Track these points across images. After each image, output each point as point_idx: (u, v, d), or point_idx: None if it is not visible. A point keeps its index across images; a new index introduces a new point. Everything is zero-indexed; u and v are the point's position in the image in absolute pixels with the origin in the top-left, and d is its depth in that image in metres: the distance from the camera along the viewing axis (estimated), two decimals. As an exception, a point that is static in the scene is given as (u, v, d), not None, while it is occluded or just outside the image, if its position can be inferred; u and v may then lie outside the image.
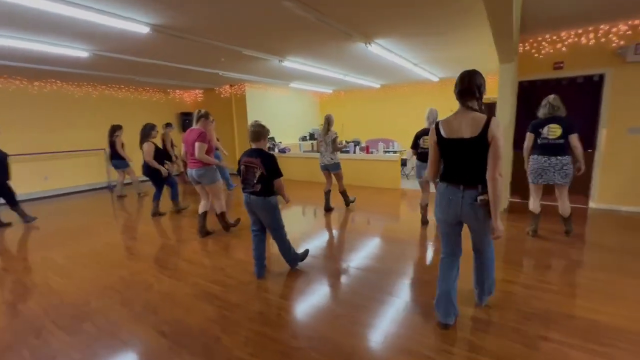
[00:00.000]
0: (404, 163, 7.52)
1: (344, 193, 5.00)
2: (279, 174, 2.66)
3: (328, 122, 4.65)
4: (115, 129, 6.18)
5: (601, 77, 4.42)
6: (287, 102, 9.88)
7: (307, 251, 3.18)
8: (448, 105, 9.30)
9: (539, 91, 4.85)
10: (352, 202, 5.15)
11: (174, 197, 5.15)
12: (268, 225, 2.77)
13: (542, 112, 3.40)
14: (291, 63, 5.72)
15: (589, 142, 4.59)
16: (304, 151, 8.49)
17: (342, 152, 7.28)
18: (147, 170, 4.75)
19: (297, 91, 10.19)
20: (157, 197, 4.96)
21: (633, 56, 4.13)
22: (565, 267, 2.91)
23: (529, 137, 3.46)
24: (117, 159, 6.23)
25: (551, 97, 3.39)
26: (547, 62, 4.69)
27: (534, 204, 3.57)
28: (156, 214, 4.94)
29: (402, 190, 6.38)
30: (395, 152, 7.53)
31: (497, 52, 4.16)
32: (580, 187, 4.69)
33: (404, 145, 9.17)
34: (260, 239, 2.87)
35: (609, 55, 4.33)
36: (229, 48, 4.57)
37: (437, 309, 2.09)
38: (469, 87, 1.89)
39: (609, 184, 4.55)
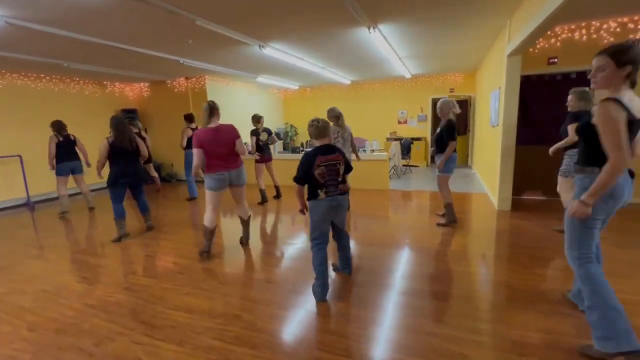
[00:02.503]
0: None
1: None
2: (351, 166, 2.55)
3: (340, 116, 4.07)
4: (62, 126, 4.84)
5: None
6: (251, 98, 8.93)
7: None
8: (419, 104, 9.32)
9: (534, 86, 4.84)
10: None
11: (146, 208, 4.09)
12: (342, 225, 2.52)
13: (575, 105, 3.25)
14: (273, 51, 4.93)
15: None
16: (279, 152, 7.68)
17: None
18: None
19: (262, 87, 9.29)
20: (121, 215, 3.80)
21: (623, 52, 4.25)
22: None
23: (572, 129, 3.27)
24: (73, 160, 4.95)
25: (577, 91, 3.26)
26: (541, 57, 4.66)
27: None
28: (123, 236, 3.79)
29: (393, 191, 6.01)
30: (373, 151, 7.16)
31: (509, 45, 3.94)
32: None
33: (383, 144, 8.94)
34: (326, 252, 2.40)
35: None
36: (204, 26, 3.64)
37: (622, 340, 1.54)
38: None
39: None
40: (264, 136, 5.19)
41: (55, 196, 5.68)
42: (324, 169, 2.25)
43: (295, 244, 3.53)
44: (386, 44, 4.84)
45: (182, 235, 3.95)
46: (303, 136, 10.39)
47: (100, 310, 2.36)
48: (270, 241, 3.71)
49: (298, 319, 2.16)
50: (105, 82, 7.43)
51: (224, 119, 3.18)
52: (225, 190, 3.18)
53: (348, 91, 9.67)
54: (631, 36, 4.25)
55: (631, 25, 4.23)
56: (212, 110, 3.03)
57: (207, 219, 3.12)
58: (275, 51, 4.97)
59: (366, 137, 8.83)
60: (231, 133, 3.08)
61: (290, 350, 1.84)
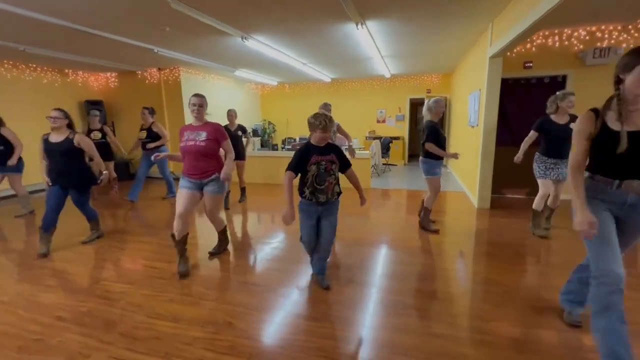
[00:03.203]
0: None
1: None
2: (349, 162, 2.35)
3: (329, 110, 3.93)
4: None
5: (564, 77, 4.77)
6: (228, 92, 8.60)
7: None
8: (397, 104, 9.44)
9: (510, 89, 5.04)
10: None
11: (89, 217, 3.53)
12: (328, 234, 2.31)
13: (549, 109, 3.37)
14: (256, 43, 4.74)
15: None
16: (258, 149, 7.47)
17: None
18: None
19: (239, 81, 8.98)
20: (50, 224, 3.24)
21: (592, 60, 4.53)
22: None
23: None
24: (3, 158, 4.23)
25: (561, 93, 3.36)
26: (518, 61, 4.85)
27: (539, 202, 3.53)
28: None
29: (374, 190, 6.03)
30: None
31: (492, 47, 4.05)
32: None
33: (362, 142, 8.96)
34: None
35: (571, 58, 4.69)
36: (182, 11, 3.39)
37: None
38: None
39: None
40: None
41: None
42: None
43: (273, 244, 3.40)
44: (371, 41, 4.82)
45: (159, 237, 3.68)
46: (281, 133, 10.20)
47: (70, 322, 2.10)
48: (249, 242, 3.56)
49: (292, 324, 2.05)
50: (66, 70, 6.80)
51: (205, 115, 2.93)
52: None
53: (328, 89, 9.61)
54: (598, 44, 4.53)
55: (599, 34, 4.50)
56: (201, 102, 2.79)
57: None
58: (259, 44, 4.78)
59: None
60: (214, 133, 2.77)
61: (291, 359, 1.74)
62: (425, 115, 3.56)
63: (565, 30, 4.59)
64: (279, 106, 10.39)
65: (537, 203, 3.46)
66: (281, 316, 2.13)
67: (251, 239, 3.67)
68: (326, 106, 4.02)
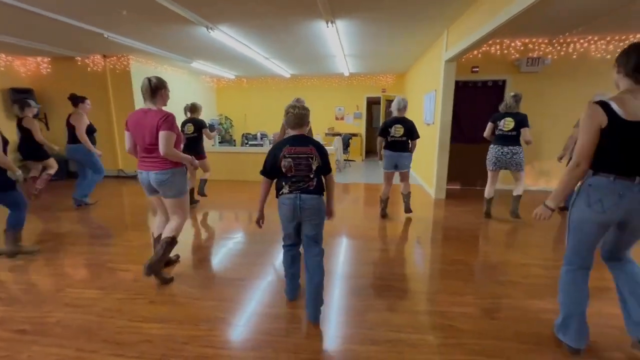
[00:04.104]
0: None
1: None
2: (330, 168, 2.06)
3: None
4: None
5: (504, 82, 5.42)
6: (182, 85, 8.11)
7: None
8: (355, 102, 9.77)
9: (461, 91, 5.56)
10: None
11: (17, 224, 2.93)
12: (314, 235, 1.99)
13: (501, 107, 3.82)
14: (221, 35, 4.57)
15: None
16: (220, 143, 7.19)
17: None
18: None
19: (194, 73, 8.52)
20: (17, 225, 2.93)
21: (525, 67, 5.21)
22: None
23: (489, 127, 3.88)
24: None
25: (509, 94, 3.82)
26: (467, 66, 5.38)
27: (488, 189, 4.01)
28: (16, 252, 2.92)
29: (337, 184, 6.22)
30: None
31: (446, 51, 4.44)
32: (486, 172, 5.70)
33: (323, 139, 9.10)
34: (296, 257, 2.13)
35: (509, 65, 5.34)
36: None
37: (566, 334, 1.71)
38: None
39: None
40: (189, 128, 4.30)
41: None
42: (291, 161, 1.92)
43: (237, 239, 3.39)
44: (338, 40, 4.95)
45: (126, 238, 3.41)
46: (239, 128, 9.92)
47: (37, 335, 1.88)
48: (219, 240, 3.48)
49: (285, 314, 2.09)
50: (-16, 52, 5.82)
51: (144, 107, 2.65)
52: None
53: (287, 84, 9.58)
54: (530, 54, 5.23)
55: (530, 46, 5.20)
56: (152, 89, 2.33)
57: (153, 224, 2.67)
58: (225, 36, 4.62)
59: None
60: (152, 120, 2.28)
61: (292, 345, 1.78)
62: (395, 112, 3.82)
63: (505, 40, 5.22)
64: (236, 100, 10.09)
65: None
66: (272, 306, 2.15)
67: (220, 236, 3.57)
68: (299, 101, 4.05)
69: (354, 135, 9.28)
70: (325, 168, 2.02)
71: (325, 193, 2.06)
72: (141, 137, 2.33)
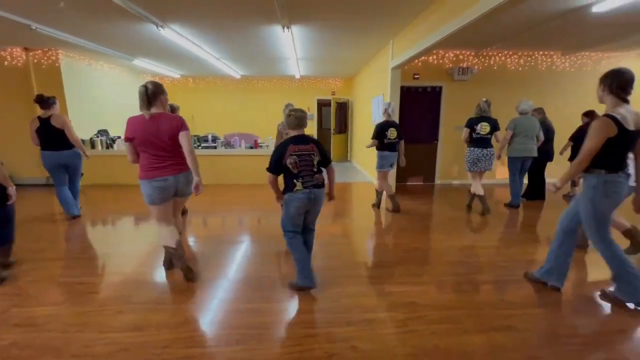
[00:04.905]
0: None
1: None
2: (330, 159, 2.40)
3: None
4: None
5: (440, 88, 6.08)
6: (120, 84, 7.50)
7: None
8: (306, 104, 10.01)
9: (404, 95, 6.10)
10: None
11: (6, 239, 2.63)
12: (313, 220, 2.44)
13: (476, 112, 4.14)
14: (172, 33, 4.40)
15: (434, 136, 6.26)
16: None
17: (227, 147, 6.50)
18: None
19: (134, 71, 7.94)
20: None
21: (457, 76, 5.93)
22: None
23: (466, 131, 4.13)
24: None
25: (482, 100, 4.13)
26: (409, 73, 5.93)
27: (475, 187, 4.28)
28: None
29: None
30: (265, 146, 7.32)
31: (393, 61, 4.87)
32: (428, 169, 6.35)
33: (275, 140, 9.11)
34: (301, 239, 2.38)
35: (444, 74, 6.01)
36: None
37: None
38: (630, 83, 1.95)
39: (444, 166, 6.38)
40: None
41: None
42: (296, 158, 2.20)
43: (199, 241, 3.38)
44: (292, 44, 5.09)
45: (76, 251, 3.13)
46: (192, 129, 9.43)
47: (-10, 360, 1.71)
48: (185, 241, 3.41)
49: (263, 308, 2.18)
50: None
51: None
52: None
53: (236, 85, 9.42)
54: (461, 64, 5.96)
55: (461, 57, 5.93)
56: (152, 93, 2.22)
57: (163, 238, 2.47)
58: (175, 34, 4.46)
59: (256, 134, 8.87)
60: (167, 123, 2.25)
61: (276, 336, 1.89)
62: (387, 116, 4.16)
63: (440, 51, 5.87)
64: (182, 101, 9.53)
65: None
66: (250, 302, 2.22)
67: (183, 240, 3.49)
68: (289, 105, 4.13)
69: (306, 136, 9.48)
70: (325, 160, 2.35)
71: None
72: (156, 143, 2.26)
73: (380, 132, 4.12)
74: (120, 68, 7.41)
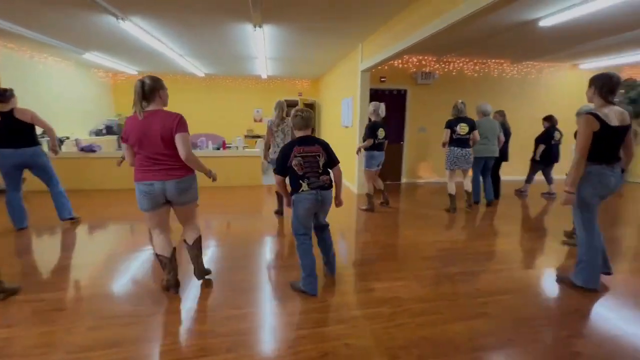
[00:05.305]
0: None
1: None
2: (337, 160, 2.39)
3: (282, 108, 3.94)
4: None
5: (405, 91, 6.37)
6: (66, 78, 6.83)
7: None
8: (272, 104, 9.89)
9: (372, 98, 6.28)
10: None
11: None
12: (323, 220, 2.47)
13: (453, 112, 4.32)
14: (133, 27, 4.11)
15: (400, 137, 6.53)
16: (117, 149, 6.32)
17: (193, 148, 6.21)
18: None
19: (83, 65, 7.29)
20: None
21: (420, 80, 6.25)
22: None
23: (447, 133, 4.28)
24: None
25: (459, 101, 4.31)
26: (376, 76, 6.13)
27: (453, 187, 4.46)
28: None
29: (267, 186, 6.28)
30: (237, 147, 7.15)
31: (362, 62, 5.01)
32: (395, 168, 6.62)
33: (244, 141, 8.88)
34: (311, 245, 2.35)
35: (409, 78, 6.31)
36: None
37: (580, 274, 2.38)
38: (615, 86, 2.19)
39: (410, 165, 6.70)
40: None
41: None
42: (301, 159, 2.21)
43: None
44: (262, 43, 5.02)
45: (29, 264, 2.80)
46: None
47: None
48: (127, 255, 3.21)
49: (251, 312, 2.14)
50: None
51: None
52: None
53: (199, 84, 9.05)
54: (424, 69, 6.29)
55: (424, 62, 6.26)
56: (147, 92, 2.04)
57: (155, 245, 2.30)
58: (137, 28, 4.17)
59: (222, 135, 8.59)
60: (161, 122, 2.04)
61: (265, 341, 1.86)
62: (376, 117, 4.25)
63: (405, 57, 6.15)
64: (139, 99, 9.00)
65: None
66: (236, 308, 2.16)
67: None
68: (280, 103, 4.05)
69: (274, 137, 9.38)
70: (331, 161, 2.34)
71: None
72: (151, 145, 2.05)
73: (372, 132, 4.21)
74: (67, 62, 6.76)
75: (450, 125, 4.30)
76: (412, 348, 1.80)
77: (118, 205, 4.82)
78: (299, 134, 2.30)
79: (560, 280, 2.55)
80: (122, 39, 4.87)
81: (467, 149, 4.30)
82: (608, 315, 2.14)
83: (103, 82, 8.35)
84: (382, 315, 2.10)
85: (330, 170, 2.36)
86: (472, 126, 4.27)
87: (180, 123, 2.07)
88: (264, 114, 9.66)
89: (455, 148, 4.31)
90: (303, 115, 2.26)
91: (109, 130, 7.99)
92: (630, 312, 2.17)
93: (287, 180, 2.33)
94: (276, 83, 9.42)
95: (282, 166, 2.25)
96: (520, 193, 5.61)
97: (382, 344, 1.83)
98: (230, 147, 6.77)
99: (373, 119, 4.31)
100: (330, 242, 2.54)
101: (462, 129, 4.25)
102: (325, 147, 2.32)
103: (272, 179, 6.90)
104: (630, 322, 2.06)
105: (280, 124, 3.93)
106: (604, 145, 2.20)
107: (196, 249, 2.39)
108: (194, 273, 2.45)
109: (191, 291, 2.39)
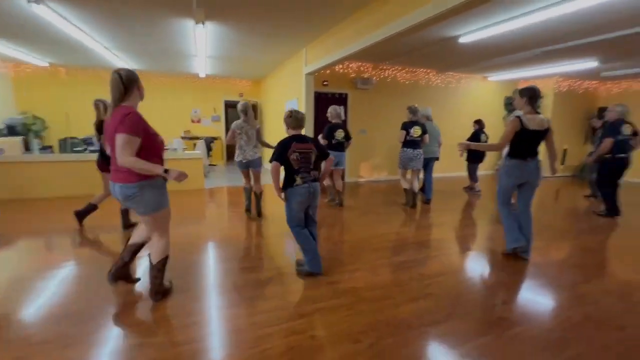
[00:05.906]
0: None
1: (261, 194, 4.18)
2: (327, 152, 2.65)
3: (246, 109, 3.80)
4: None
5: (346, 95, 6.69)
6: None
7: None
8: (212, 105, 9.52)
9: (316, 100, 6.47)
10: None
11: None
12: (314, 212, 2.62)
13: (409, 117, 4.58)
14: (49, 12, 3.59)
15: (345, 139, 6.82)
16: (41, 150, 5.44)
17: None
18: None
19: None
20: None
21: (360, 84, 6.64)
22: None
23: (402, 134, 4.55)
24: None
25: (413, 106, 4.59)
26: (319, 80, 6.33)
27: (404, 183, 4.84)
28: None
29: (209, 190, 6.00)
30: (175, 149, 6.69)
31: (307, 67, 5.15)
32: (339, 169, 6.90)
33: (184, 143, 8.29)
34: (308, 233, 2.57)
35: (349, 82, 6.65)
36: None
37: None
38: (539, 96, 2.79)
39: (353, 165, 7.05)
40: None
41: None
42: (299, 155, 2.42)
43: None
44: (204, 41, 4.81)
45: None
46: (57, 132, 7.72)
47: None
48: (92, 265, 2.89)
49: (218, 317, 2.08)
50: None
51: None
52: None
53: (127, 81, 8.20)
54: (363, 75, 6.69)
55: (362, 68, 6.67)
56: (126, 83, 1.89)
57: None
58: (53, 14, 3.66)
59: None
60: (115, 120, 1.86)
61: (230, 344, 1.84)
62: (336, 118, 4.50)
63: (346, 62, 6.47)
64: (51, 96, 7.82)
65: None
66: (189, 316, 2.08)
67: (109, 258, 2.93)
68: (242, 106, 3.85)
69: (215, 138, 9.01)
70: (323, 155, 2.59)
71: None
72: (111, 144, 1.92)
73: (329, 133, 4.50)
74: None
75: (406, 127, 4.59)
76: (371, 331, 1.95)
77: (61, 212, 4.15)
78: (291, 132, 2.54)
79: (506, 254, 3.08)
80: (34, 26, 4.21)
81: (419, 150, 4.66)
82: (528, 284, 2.59)
83: (3, 74, 7.05)
84: (342, 305, 2.22)
85: (319, 166, 2.62)
86: (424, 130, 4.64)
87: (120, 122, 1.84)
88: (202, 114, 9.20)
89: (408, 149, 4.62)
90: (297, 116, 2.52)
91: (12, 130, 6.81)
92: (546, 280, 2.65)
93: (282, 174, 2.50)
94: (215, 82, 9.05)
95: (281, 155, 2.43)
96: (469, 190, 6.16)
97: (345, 331, 1.94)
98: (167, 149, 6.30)
99: (334, 121, 4.54)
100: (315, 235, 2.68)
101: (415, 131, 4.56)
102: (316, 144, 2.57)
103: (214, 182, 6.65)
104: (545, 289, 2.52)
105: (244, 126, 3.87)
106: (522, 144, 2.78)
107: (156, 270, 2.16)
108: (150, 295, 2.21)
109: (138, 304, 2.21)
